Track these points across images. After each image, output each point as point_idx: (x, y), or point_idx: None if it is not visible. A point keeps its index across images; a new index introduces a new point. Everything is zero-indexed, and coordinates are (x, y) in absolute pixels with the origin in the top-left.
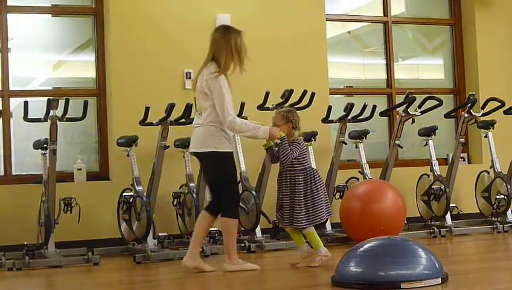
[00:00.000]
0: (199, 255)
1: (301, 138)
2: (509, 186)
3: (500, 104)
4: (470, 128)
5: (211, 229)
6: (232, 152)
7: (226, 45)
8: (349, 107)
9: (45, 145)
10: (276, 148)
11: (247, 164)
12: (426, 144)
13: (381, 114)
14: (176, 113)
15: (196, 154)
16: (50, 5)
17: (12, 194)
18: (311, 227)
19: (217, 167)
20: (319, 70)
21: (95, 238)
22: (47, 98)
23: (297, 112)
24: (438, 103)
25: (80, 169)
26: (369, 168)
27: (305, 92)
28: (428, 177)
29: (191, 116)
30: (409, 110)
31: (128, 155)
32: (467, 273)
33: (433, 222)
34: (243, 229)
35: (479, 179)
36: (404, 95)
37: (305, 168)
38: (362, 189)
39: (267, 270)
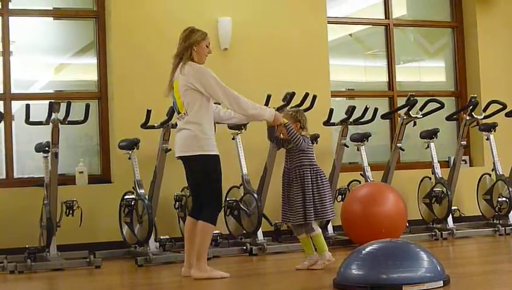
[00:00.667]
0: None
1: (308, 135)
2: (511, 189)
3: (501, 106)
4: (471, 130)
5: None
6: (218, 155)
7: (184, 39)
8: (350, 110)
9: (47, 148)
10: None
11: (249, 166)
12: (428, 147)
13: (383, 117)
14: None
15: (183, 158)
16: (52, 8)
17: (14, 197)
18: (318, 229)
19: (206, 170)
20: (320, 73)
21: (97, 241)
22: (49, 101)
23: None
24: (439, 105)
25: (81, 172)
26: (371, 170)
27: (306, 94)
28: (430, 179)
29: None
30: (410, 112)
31: (129, 158)
32: (468, 276)
33: (434, 225)
34: (244, 231)
35: (481, 182)
36: (406, 98)
37: (312, 164)
38: (364, 192)
39: (268, 273)
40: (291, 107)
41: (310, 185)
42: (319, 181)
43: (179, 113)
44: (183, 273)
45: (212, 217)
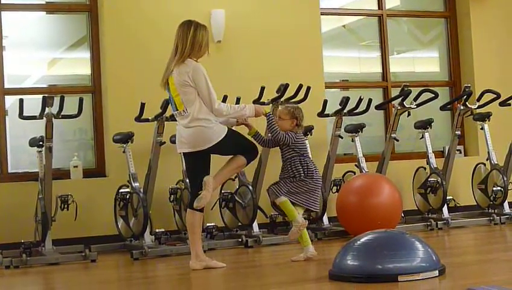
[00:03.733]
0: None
1: (300, 131)
2: (505, 178)
3: (495, 96)
4: (465, 120)
5: (207, 224)
6: (229, 129)
7: (186, 36)
8: (344, 101)
9: (41, 143)
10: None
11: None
12: (422, 137)
13: (377, 107)
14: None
15: (195, 152)
16: (44, 3)
17: (8, 192)
18: (282, 197)
19: (234, 142)
20: (314, 64)
21: (92, 235)
22: (42, 95)
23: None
24: (433, 95)
25: (76, 166)
26: (366, 161)
27: (300, 86)
28: (425, 170)
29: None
30: (404, 103)
31: (124, 152)
32: (464, 265)
33: (430, 215)
34: (239, 224)
35: (476, 171)
36: (400, 88)
37: (302, 157)
38: (359, 183)
39: (264, 265)
40: (291, 102)
41: (300, 175)
42: (313, 174)
43: (176, 110)
44: (192, 266)
45: (252, 156)
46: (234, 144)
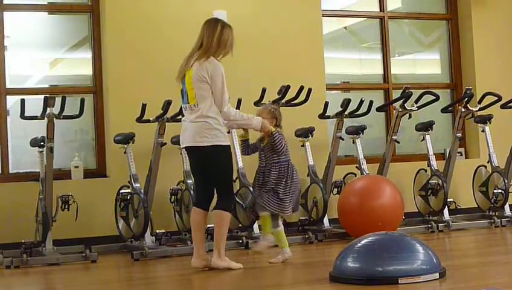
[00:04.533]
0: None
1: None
2: (506, 181)
3: (496, 98)
4: (466, 123)
5: (208, 225)
6: (229, 146)
7: (213, 33)
8: (346, 103)
9: (42, 143)
10: (254, 142)
11: (244, 160)
12: (423, 139)
13: (378, 109)
14: (173, 110)
15: (195, 148)
16: (46, 3)
17: (9, 192)
18: (281, 226)
19: (221, 160)
20: (315, 66)
21: (93, 235)
22: (44, 95)
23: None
24: (434, 97)
25: (77, 166)
26: (367, 163)
27: (301, 87)
28: (426, 172)
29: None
30: (405, 105)
31: (125, 152)
32: (464, 268)
33: (430, 217)
34: (240, 225)
35: (477, 174)
36: (401, 90)
37: (288, 160)
38: (360, 184)
39: (264, 266)
40: (287, 102)
41: (284, 180)
42: (289, 178)
43: (187, 103)
44: (193, 264)
45: (229, 205)
46: (220, 167)
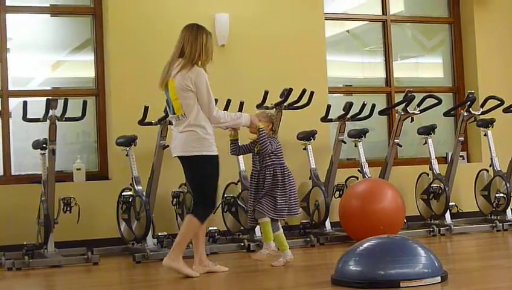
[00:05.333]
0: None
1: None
2: (508, 185)
3: (499, 102)
4: (469, 126)
5: (209, 228)
6: (218, 155)
7: (198, 42)
8: (348, 106)
9: (44, 145)
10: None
11: (246, 163)
12: (425, 143)
13: (380, 113)
14: None
15: (183, 157)
16: (49, 5)
17: (11, 194)
18: (280, 229)
19: (206, 171)
20: (318, 69)
21: (95, 237)
22: (46, 98)
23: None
24: (437, 101)
25: (79, 169)
26: (369, 167)
27: (304, 91)
28: (428, 175)
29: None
30: (408, 108)
31: (127, 155)
32: (466, 272)
33: (432, 221)
34: (242, 228)
35: (479, 178)
36: (403, 94)
37: (281, 163)
38: (361, 188)
39: (266, 270)
40: (289, 104)
41: (281, 182)
42: (286, 180)
43: (174, 114)
44: (194, 270)
45: (204, 215)
46: (205, 175)
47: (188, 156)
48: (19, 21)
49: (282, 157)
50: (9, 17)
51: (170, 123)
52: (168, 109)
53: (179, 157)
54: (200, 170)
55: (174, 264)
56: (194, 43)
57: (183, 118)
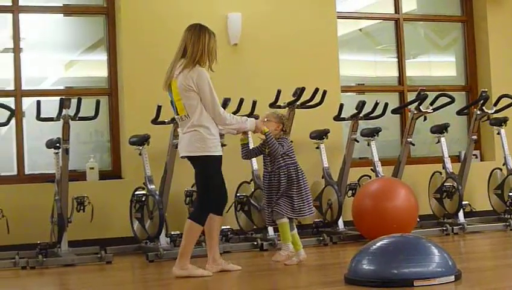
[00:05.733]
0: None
1: (288, 137)
2: None
3: None
4: (482, 125)
5: (223, 227)
6: (221, 155)
7: (201, 42)
8: (361, 105)
9: (58, 145)
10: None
11: (259, 162)
12: (438, 142)
13: (393, 112)
14: None
15: (188, 157)
16: (62, 5)
17: (25, 193)
18: (295, 228)
19: (206, 171)
20: (330, 68)
21: (108, 236)
22: (59, 97)
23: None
24: (450, 100)
25: (92, 168)
26: (381, 165)
27: (316, 90)
28: (441, 174)
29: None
30: (421, 107)
31: (140, 154)
32: (480, 270)
33: (445, 220)
34: (255, 227)
35: (492, 176)
36: (416, 93)
37: (294, 163)
38: (374, 187)
39: (279, 268)
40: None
41: (296, 183)
42: (300, 179)
43: (178, 114)
44: (207, 269)
45: (200, 217)
46: (205, 176)
47: (191, 156)
48: (32, 21)
49: (295, 157)
50: (23, 17)
51: None
52: (172, 110)
53: (185, 157)
54: (203, 170)
55: (184, 272)
56: (197, 43)
57: (186, 119)
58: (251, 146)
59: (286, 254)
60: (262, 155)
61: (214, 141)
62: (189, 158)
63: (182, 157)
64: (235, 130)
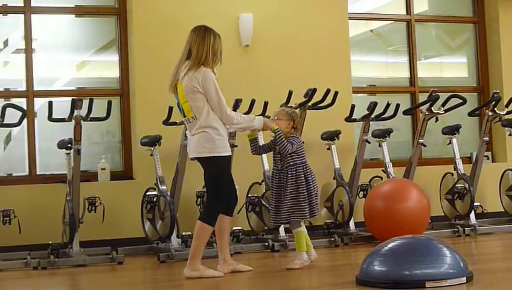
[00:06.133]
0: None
1: (298, 135)
2: None
3: None
4: (494, 126)
5: (234, 228)
6: (230, 156)
7: (206, 43)
8: (372, 106)
9: (69, 145)
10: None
11: (270, 163)
12: (450, 143)
13: (405, 113)
14: None
15: (197, 159)
16: (73, 6)
17: (37, 193)
18: (303, 227)
19: (215, 172)
20: (342, 69)
21: (119, 237)
22: (71, 98)
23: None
24: (461, 101)
25: (103, 169)
26: (393, 167)
27: (328, 91)
28: (452, 176)
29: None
30: (432, 108)
31: (151, 155)
32: (492, 272)
33: (457, 221)
34: (266, 228)
35: (503, 178)
36: (428, 94)
37: (303, 162)
38: (386, 188)
39: (290, 270)
40: (313, 104)
41: (305, 182)
42: (309, 179)
43: (185, 116)
44: (218, 270)
45: (210, 217)
46: (214, 177)
47: (201, 157)
48: (44, 22)
49: (305, 156)
50: (35, 18)
51: None
52: (179, 112)
53: (195, 159)
54: (212, 171)
55: (195, 273)
56: (201, 45)
57: (193, 121)
58: (261, 142)
59: (300, 262)
60: (272, 153)
61: (223, 141)
62: (199, 159)
63: (191, 159)
64: (243, 129)
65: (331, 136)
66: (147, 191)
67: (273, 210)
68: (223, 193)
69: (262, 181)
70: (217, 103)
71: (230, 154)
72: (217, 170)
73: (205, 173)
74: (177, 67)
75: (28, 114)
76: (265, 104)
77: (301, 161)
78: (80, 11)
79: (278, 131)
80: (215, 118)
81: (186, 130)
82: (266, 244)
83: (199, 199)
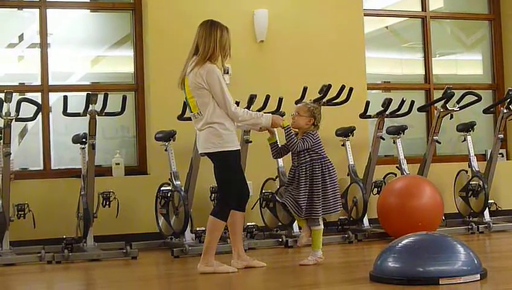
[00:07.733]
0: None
1: (316, 131)
2: None
3: None
4: (508, 123)
5: (247, 223)
6: (239, 150)
7: (212, 38)
8: (387, 103)
9: (84, 140)
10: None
11: (285, 158)
12: (464, 140)
13: (419, 109)
14: None
15: (206, 154)
16: (89, 1)
17: (51, 188)
18: (321, 225)
19: (225, 167)
20: (356, 65)
21: (133, 232)
22: (86, 92)
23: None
24: (476, 98)
25: (118, 163)
26: (407, 163)
27: (343, 87)
28: (467, 173)
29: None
30: (447, 105)
31: (166, 150)
32: (506, 269)
33: (471, 218)
34: (280, 224)
35: None
36: (443, 91)
37: (321, 157)
38: (400, 185)
39: (303, 265)
40: (328, 101)
41: (321, 179)
42: (326, 174)
43: (191, 112)
44: (232, 265)
45: (222, 212)
46: (224, 171)
47: (210, 152)
48: (59, 16)
49: (322, 152)
50: (50, 13)
51: None
52: (187, 107)
53: (204, 154)
54: (222, 166)
55: (208, 269)
56: (208, 39)
57: (199, 116)
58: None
59: (314, 259)
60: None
61: (230, 135)
62: (208, 155)
63: (200, 154)
64: (250, 126)
65: (346, 132)
66: (161, 186)
67: (288, 203)
68: (234, 187)
69: (277, 177)
70: (222, 99)
71: (239, 148)
72: (227, 164)
73: (215, 168)
74: (185, 62)
75: (42, 108)
76: (280, 100)
77: (318, 157)
78: (95, 6)
79: (288, 128)
80: (222, 113)
81: None
82: (280, 240)
83: (213, 195)
